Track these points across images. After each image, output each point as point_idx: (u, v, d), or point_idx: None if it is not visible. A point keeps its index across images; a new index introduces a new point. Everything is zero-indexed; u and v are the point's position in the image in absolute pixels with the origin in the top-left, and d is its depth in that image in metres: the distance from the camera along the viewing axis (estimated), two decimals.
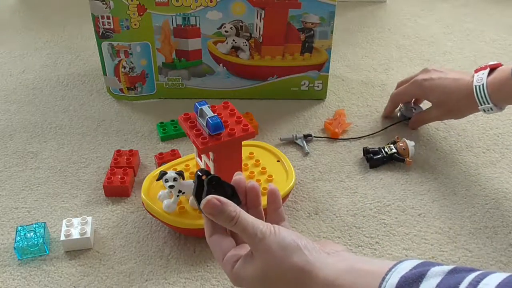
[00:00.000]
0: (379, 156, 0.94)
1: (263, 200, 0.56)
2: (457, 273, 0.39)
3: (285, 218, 0.56)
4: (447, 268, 0.40)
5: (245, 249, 0.52)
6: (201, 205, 0.50)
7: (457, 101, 0.89)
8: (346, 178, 0.92)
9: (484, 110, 0.85)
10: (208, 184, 0.51)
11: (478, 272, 0.38)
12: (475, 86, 0.83)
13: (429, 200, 0.88)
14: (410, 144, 0.94)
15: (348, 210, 0.86)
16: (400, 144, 0.95)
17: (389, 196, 0.88)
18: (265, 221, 0.53)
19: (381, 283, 0.41)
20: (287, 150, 0.99)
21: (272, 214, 0.56)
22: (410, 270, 0.41)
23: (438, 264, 0.41)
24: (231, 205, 0.49)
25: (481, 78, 0.84)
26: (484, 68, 0.86)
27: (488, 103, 0.83)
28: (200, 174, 0.52)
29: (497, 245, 0.79)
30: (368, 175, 0.93)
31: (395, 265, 0.43)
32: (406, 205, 0.86)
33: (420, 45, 1.38)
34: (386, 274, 0.42)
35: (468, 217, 0.84)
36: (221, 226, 0.52)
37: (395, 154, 0.94)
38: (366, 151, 0.96)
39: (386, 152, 0.94)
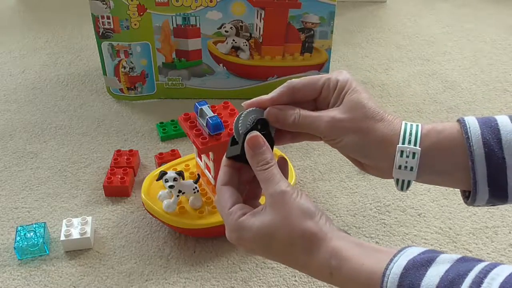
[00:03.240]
0: None
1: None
2: (466, 261, 0.39)
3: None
4: (455, 256, 0.40)
5: (254, 207, 0.50)
6: (248, 137, 0.49)
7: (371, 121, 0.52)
8: (346, 178, 0.92)
9: (401, 155, 0.48)
10: (257, 123, 0.51)
11: (487, 262, 0.38)
12: (405, 123, 0.50)
13: (429, 200, 0.88)
14: None
15: (348, 210, 0.86)
16: None
17: (389, 196, 0.88)
18: None
19: (388, 264, 0.41)
20: (287, 150, 0.99)
21: None
22: (419, 254, 0.41)
23: (445, 253, 0.41)
24: (270, 152, 0.49)
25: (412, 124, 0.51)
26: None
27: (415, 145, 0.48)
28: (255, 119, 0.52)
29: (497, 245, 0.79)
30: (368, 175, 0.93)
31: (403, 248, 0.43)
32: (406, 205, 0.87)
33: (420, 45, 1.38)
34: (394, 256, 0.42)
35: (468, 217, 0.84)
36: (235, 182, 0.51)
37: None
38: None
39: None
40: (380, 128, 0.47)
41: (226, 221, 0.49)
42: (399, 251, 0.42)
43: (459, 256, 0.40)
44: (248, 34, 1.06)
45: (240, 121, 0.51)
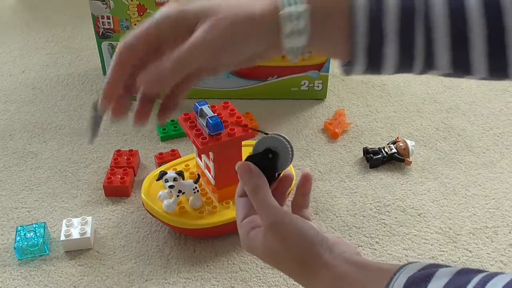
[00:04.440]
0: (379, 156, 0.94)
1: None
2: (465, 274, 0.39)
3: (308, 206, 0.56)
4: (454, 269, 0.40)
5: None
6: (237, 165, 0.51)
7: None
8: (346, 178, 0.92)
9: (290, 21, 0.42)
10: (264, 154, 0.52)
11: (485, 273, 0.38)
12: None
13: (429, 200, 0.88)
14: (410, 144, 0.94)
15: (348, 210, 0.86)
16: (400, 144, 0.95)
17: (389, 196, 0.88)
18: (291, 203, 0.54)
19: (389, 283, 0.41)
20: None
21: (299, 197, 0.55)
22: (418, 270, 0.41)
23: (446, 266, 0.41)
24: (259, 178, 0.50)
25: None
26: None
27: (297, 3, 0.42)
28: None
29: (497, 245, 0.79)
30: (368, 175, 0.93)
31: (404, 265, 0.43)
32: (406, 205, 0.86)
33: None
34: (395, 274, 0.42)
35: (468, 217, 0.84)
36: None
37: (395, 154, 0.94)
38: (366, 151, 0.96)
39: (386, 152, 0.94)
40: (255, 7, 0.42)
41: (239, 232, 0.52)
42: (399, 268, 0.42)
43: (458, 268, 0.40)
44: None
45: (259, 142, 0.52)
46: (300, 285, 0.50)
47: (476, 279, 0.37)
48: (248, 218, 0.51)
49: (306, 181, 0.54)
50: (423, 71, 0.44)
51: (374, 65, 0.44)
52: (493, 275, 0.38)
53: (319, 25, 0.42)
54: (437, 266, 0.41)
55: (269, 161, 0.52)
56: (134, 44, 0.44)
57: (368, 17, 0.42)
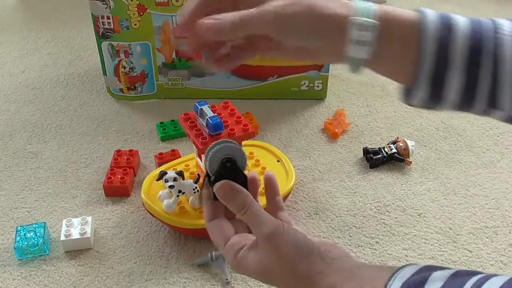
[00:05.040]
0: (379, 156, 0.94)
1: (262, 200, 0.55)
2: (459, 277, 0.39)
3: (283, 208, 0.54)
4: (448, 272, 0.40)
5: (248, 238, 0.50)
6: (215, 188, 0.49)
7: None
8: (346, 178, 0.92)
9: (357, 29, 0.43)
10: (223, 165, 0.49)
11: (480, 276, 0.38)
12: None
13: (429, 200, 0.88)
14: (410, 144, 0.94)
15: (348, 210, 0.86)
16: (400, 144, 0.95)
17: (389, 196, 0.88)
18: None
19: None
20: (287, 150, 0.99)
21: (270, 202, 0.54)
22: (412, 275, 0.41)
23: (441, 269, 0.41)
24: (244, 194, 0.48)
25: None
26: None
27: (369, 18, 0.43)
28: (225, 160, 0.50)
29: (497, 245, 0.79)
30: (368, 175, 0.93)
31: (397, 270, 0.42)
32: (406, 205, 0.86)
33: None
34: (389, 280, 0.41)
35: (468, 217, 0.84)
36: (221, 212, 0.51)
37: (395, 154, 0.94)
38: (366, 151, 0.96)
39: (386, 152, 0.94)
40: (329, 5, 0.43)
41: (225, 257, 0.50)
42: (393, 273, 0.42)
43: (452, 271, 0.40)
44: None
45: (207, 162, 0.49)
46: None
47: (471, 282, 0.37)
48: (229, 241, 0.50)
49: (270, 183, 0.53)
50: (485, 111, 0.44)
51: (436, 95, 0.44)
52: (486, 278, 0.37)
53: (385, 44, 0.43)
54: (431, 269, 0.41)
55: (232, 169, 0.49)
56: None
57: (437, 48, 0.42)
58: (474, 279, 0.38)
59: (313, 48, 0.44)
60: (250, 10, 0.43)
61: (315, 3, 0.42)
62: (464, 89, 0.43)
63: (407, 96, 0.45)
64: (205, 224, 0.51)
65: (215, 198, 0.49)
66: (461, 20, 0.44)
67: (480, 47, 0.42)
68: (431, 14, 0.44)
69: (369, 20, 0.42)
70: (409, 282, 0.40)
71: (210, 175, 0.49)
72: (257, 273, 0.48)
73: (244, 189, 0.49)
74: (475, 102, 0.43)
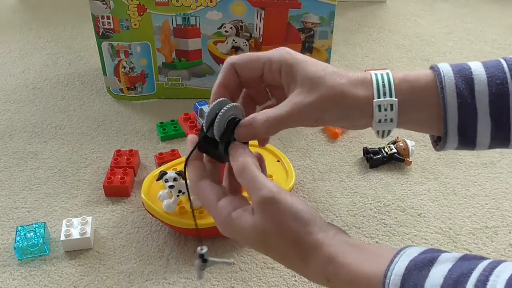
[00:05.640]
0: (379, 156, 0.94)
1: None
2: (469, 260, 0.39)
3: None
4: (457, 254, 0.40)
5: (244, 202, 0.47)
6: (231, 148, 0.47)
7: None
8: (346, 178, 0.92)
9: (380, 110, 0.47)
10: (229, 125, 0.48)
11: (490, 260, 0.38)
12: (374, 74, 0.48)
13: (429, 200, 0.88)
14: (410, 144, 0.94)
15: (348, 210, 0.86)
16: (400, 144, 0.95)
17: (389, 196, 0.88)
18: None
19: (389, 265, 0.40)
20: (287, 150, 0.99)
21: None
22: (419, 254, 0.40)
23: (446, 251, 0.41)
24: (246, 153, 0.47)
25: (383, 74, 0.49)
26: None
27: (390, 96, 0.46)
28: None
29: (497, 245, 0.79)
30: (368, 175, 0.93)
31: (402, 249, 0.42)
32: (406, 205, 0.87)
33: (420, 45, 1.38)
34: (394, 257, 0.41)
35: (468, 217, 0.84)
36: (209, 174, 0.49)
37: (395, 154, 0.94)
38: (366, 151, 0.96)
39: (386, 152, 0.94)
40: (351, 91, 0.46)
41: (216, 218, 0.47)
42: (398, 251, 0.41)
43: (460, 254, 0.40)
44: (248, 34, 1.06)
45: (216, 123, 0.48)
46: (296, 272, 0.47)
47: (482, 265, 0.37)
48: (225, 198, 0.46)
49: (259, 163, 0.50)
50: None
51: (466, 142, 0.46)
52: (498, 262, 0.37)
53: (409, 112, 0.47)
54: (437, 251, 0.41)
55: (234, 128, 0.48)
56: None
57: (459, 103, 0.45)
58: (485, 262, 0.38)
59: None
60: (280, 110, 0.47)
61: (341, 97, 0.47)
62: (494, 134, 0.45)
63: (439, 146, 0.48)
64: (194, 184, 0.48)
65: (214, 157, 0.49)
66: (475, 68, 0.47)
67: (499, 90, 0.44)
68: (446, 70, 0.46)
69: (389, 99, 0.46)
70: (416, 260, 0.39)
71: (216, 135, 0.48)
72: (250, 237, 0.45)
73: (250, 151, 0.48)
74: (509, 141, 0.46)
